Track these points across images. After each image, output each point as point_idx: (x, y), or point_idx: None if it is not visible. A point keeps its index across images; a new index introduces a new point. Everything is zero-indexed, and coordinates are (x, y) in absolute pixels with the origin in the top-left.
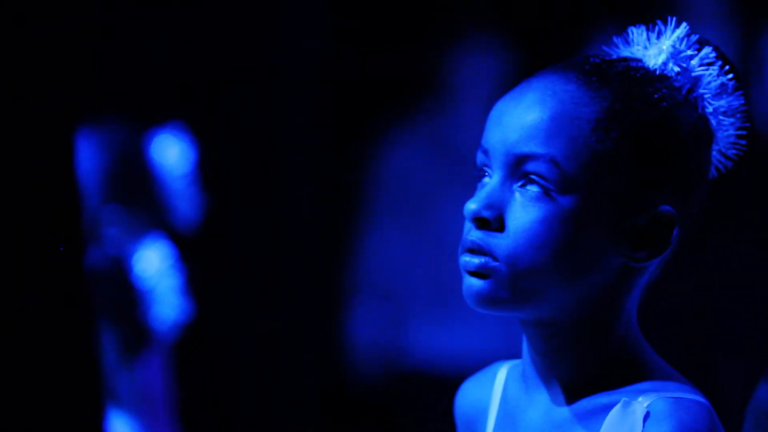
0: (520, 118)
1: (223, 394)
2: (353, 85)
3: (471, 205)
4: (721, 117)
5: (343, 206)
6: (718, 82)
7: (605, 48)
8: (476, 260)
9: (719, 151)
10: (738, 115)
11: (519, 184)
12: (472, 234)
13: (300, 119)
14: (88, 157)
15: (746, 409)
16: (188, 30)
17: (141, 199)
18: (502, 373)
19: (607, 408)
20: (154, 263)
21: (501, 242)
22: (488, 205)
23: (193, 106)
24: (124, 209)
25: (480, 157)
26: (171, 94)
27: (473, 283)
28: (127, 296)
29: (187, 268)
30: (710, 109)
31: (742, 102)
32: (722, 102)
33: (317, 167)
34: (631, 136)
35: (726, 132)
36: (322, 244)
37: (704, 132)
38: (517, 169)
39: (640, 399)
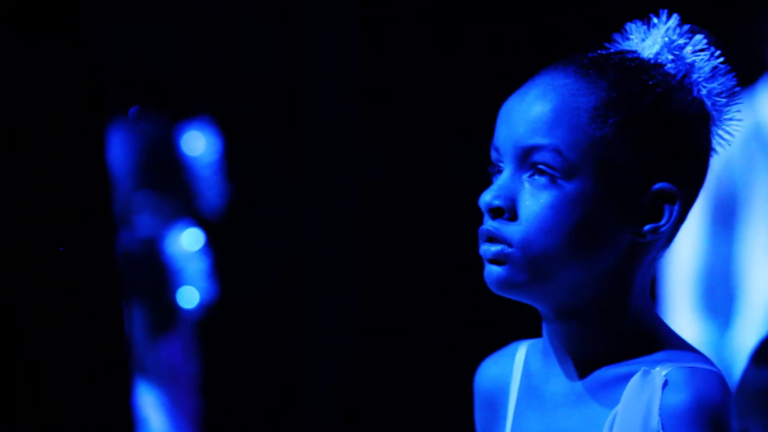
0: (525, 113)
1: (244, 369)
2: (376, 81)
3: (485, 197)
4: (715, 98)
5: (362, 196)
6: (710, 65)
7: (605, 44)
8: (493, 248)
9: (719, 131)
10: (732, 96)
11: (528, 174)
12: (488, 224)
13: (320, 113)
14: (125, 147)
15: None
16: (218, 35)
17: (172, 186)
18: (521, 351)
19: (626, 378)
20: (183, 246)
21: (514, 229)
22: (501, 196)
23: (220, 102)
24: (157, 195)
25: (493, 154)
26: (200, 92)
27: (493, 269)
28: (158, 277)
29: (213, 252)
30: (704, 92)
31: (735, 83)
32: (715, 84)
33: (337, 158)
34: (629, 121)
35: (722, 112)
36: (341, 232)
37: (700, 113)
38: (525, 160)
39: (657, 368)
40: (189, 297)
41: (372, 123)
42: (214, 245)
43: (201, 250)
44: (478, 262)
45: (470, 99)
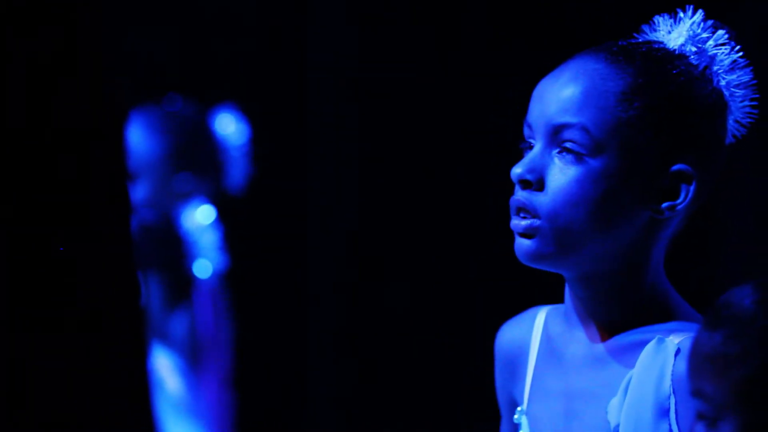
0: (557, 94)
1: (254, 333)
2: (379, 76)
3: (516, 170)
4: (733, 89)
5: (367, 182)
6: (730, 59)
7: (634, 34)
8: (524, 222)
9: (735, 120)
10: (749, 88)
11: (557, 150)
12: (519, 194)
13: (329, 107)
14: (163, 131)
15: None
16: (248, 33)
17: (203, 165)
18: (541, 315)
19: (642, 344)
20: (198, 220)
21: (542, 200)
22: (531, 169)
23: (248, 91)
24: (192, 176)
25: (526, 131)
26: (230, 82)
27: (522, 242)
28: (175, 248)
29: (225, 226)
30: (723, 83)
31: (752, 76)
32: (733, 77)
33: (344, 148)
34: (653, 106)
35: (739, 103)
36: (345, 215)
37: (718, 102)
38: (555, 137)
39: (671, 337)
40: (204, 268)
41: (377, 119)
42: (227, 220)
43: (214, 225)
44: (482, 256)
45: (468, 98)
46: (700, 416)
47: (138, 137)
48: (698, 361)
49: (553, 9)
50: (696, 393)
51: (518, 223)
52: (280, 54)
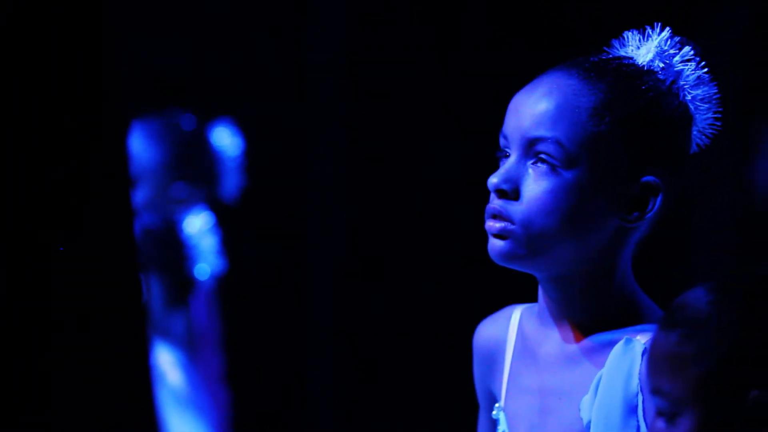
0: (532, 108)
1: (253, 331)
2: (373, 84)
3: (493, 179)
4: (698, 103)
5: (361, 189)
6: (696, 74)
7: (605, 48)
8: (498, 225)
9: (699, 131)
10: (713, 102)
11: (531, 161)
12: (494, 202)
13: (326, 117)
14: (162, 141)
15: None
16: (246, 48)
17: (199, 174)
18: (516, 314)
19: (611, 344)
20: (197, 226)
21: (517, 209)
22: (506, 179)
23: (242, 106)
24: (188, 185)
25: (501, 141)
26: (225, 97)
27: (496, 242)
28: (177, 252)
29: (223, 231)
30: (689, 97)
31: (716, 91)
32: (699, 91)
33: (340, 156)
34: (623, 120)
35: (703, 116)
36: (341, 220)
37: (684, 115)
38: (530, 149)
39: (638, 337)
40: (203, 270)
41: (372, 128)
42: (224, 226)
43: (212, 230)
44: (473, 256)
45: (465, 97)
46: (659, 413)
47: (138, 145)
48: (656, 360)
49: (553, 9)
50: (655, 391)
51: (493, 224)
52: (281, 55)
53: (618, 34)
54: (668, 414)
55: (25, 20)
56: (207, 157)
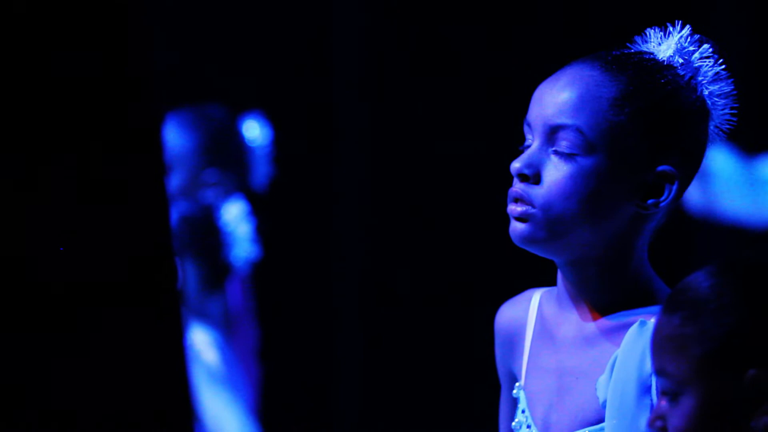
0: (555, 97)
1: (283, 314)
2: (397, 78)
3: (515, 164)
4: (715, 99)
5: (388, 176)
6: (714, 71)
7: (627, 44)
8: (519, 208)
9: (716, 126)
10: (729, 98)
11: (553, 148)
12: (516, 186)
13: (351, 109)
14: (197, 133)
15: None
16: (278, 44)
17: (232, 164)
18: (536, 296)
19: (627, 326)
20: (234, 213)
21: (538, 192)
22: (528, 165)
23: (272, 98)
24: (220, 171)
25: (525, 129)
26: (257, 90)
27: (517, 225)
28: (215, 238)
29: (257, 219)
30: (706, 93)
31: (733, 88)
32: (716, 87)
33: (366, 148)
34: (642, 111)
35: (720, 111)
36: (365, 207)
37: (701, 110)
38: (552, 136)
39: (652, 320)
40: (239, 255)
41: (394, 118)
42: (258, 213)
43: (247, 218)
44: (508, 252)
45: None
46: (663, 393)
47: (173, 134)
48: (660, 341)
49: (553, 8)
50: (659, 372)
51: (514, 208)
52: (307, 57)
53: (619, 34)
54: (671, 394)
55: (54, 12)
56: (237, 146)
